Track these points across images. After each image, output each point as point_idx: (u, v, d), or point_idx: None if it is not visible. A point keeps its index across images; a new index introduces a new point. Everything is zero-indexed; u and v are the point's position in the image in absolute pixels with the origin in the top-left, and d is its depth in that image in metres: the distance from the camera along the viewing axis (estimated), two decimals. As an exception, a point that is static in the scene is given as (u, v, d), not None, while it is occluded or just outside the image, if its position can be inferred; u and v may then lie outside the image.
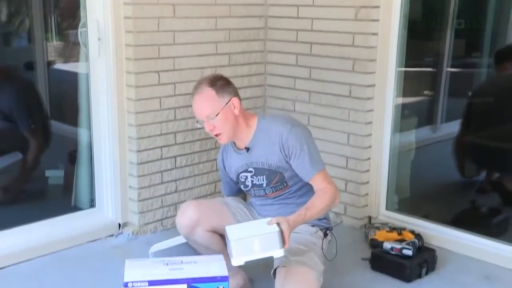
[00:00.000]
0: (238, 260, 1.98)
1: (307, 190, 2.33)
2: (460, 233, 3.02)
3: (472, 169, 3.84)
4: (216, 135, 2.28)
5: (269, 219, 2.05)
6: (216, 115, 2.22)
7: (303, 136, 2.27)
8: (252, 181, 2.36)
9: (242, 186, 2.42)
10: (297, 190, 2.34)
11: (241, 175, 2.38)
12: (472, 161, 3.84)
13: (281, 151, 2.26)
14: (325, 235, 2.32)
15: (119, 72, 2.96)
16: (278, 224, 2.00)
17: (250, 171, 2.35)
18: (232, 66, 3.34)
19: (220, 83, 2.26)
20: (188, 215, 2.30)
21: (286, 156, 2.26)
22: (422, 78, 4.50)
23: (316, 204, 2.16)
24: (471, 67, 4.46)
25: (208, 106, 2.23)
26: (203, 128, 2.31)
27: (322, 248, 2.27)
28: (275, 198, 2.37)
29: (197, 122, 2.32)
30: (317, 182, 2.24)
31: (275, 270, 2.14)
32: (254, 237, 1.96)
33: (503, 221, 3.27)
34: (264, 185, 2.33)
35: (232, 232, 2.05)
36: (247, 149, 2.33)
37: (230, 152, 2.42)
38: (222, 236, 2.34)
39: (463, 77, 4.48)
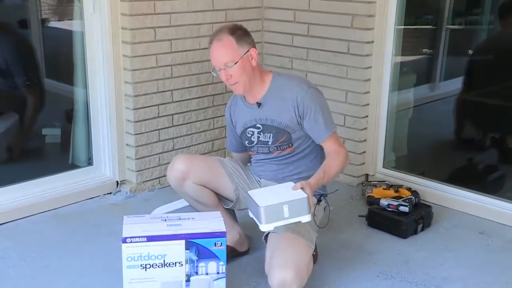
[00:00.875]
0: (267, 226, 1.97)
1: (308, 152, 2.33)
2: (456, 190, 3.04)
3: (472, 130, 3.79)
4: (232, 85, 2.24)
5: (291, 183, 2.07)
6: (235, 64, 2.18)
7: (318, 97, 2.27)
8: (258, 137, 2.34)
9: (246, 142, 2.39)
10: (299, 153, 2.34)
11: (248, 130, 2.36)
12: (472, 121, 3.78)
13: (294, 110, 2.24)
14: (319, 201, 2.32)
15: (114, 28, 2.91)
16: (302, 189, 2.01)
17: (258, 127, 2.32)
18: (229, 23, 3.28)
19: (240, 33, 2.22)
20: (176, 167, 2.30)
21: (300, 117, 2.24)
22: (422, 35, 4.44)
23: (333, 167, 2.17)
24: (472, 24, 4.39)
25: (227, 53, 2.18)
26: (217, 76, 2.27)
27: (314, 215, 2.24)
28: (277, 157, 2.36)
29: (212, 70, 2.28)
30: (329, 144, 2.25)
31: (267, 235, 2.16)
32: (284, 203, 1.96)
33: (499, 178, 3.28)
34: (270, 143, 2.32)
35: (258, 197, 2.03)
36: (259, 104, 2.30)
37: (239, 106, 2.39)
38: (213, 192, 2.35)
39: (463, 34, 4.42)
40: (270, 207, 1.96)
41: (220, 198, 2.40)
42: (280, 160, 2.36)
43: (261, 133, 2.33)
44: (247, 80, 2.23)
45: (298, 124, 2.26)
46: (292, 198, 1.98)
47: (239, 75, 2.20)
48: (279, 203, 1.96)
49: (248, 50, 2.21)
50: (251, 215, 2.08)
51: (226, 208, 2.41)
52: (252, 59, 2.23)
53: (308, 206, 1.97)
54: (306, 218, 1.98)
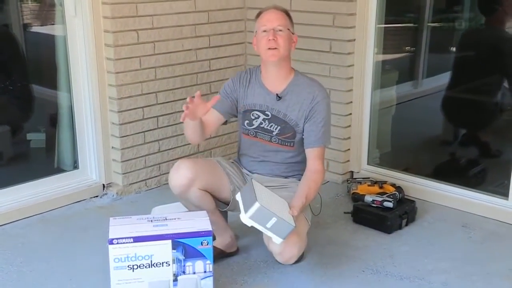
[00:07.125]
0: (248, 221, 2.03)
1: (296, 157, 2.40)
2: (439, 185, 3.09)
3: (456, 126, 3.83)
4: (272, 48, 2.27)
5: (287, 204, 2.15)
6: (287, 29, 2.29)
7: (329, 109, 2.38)
8: (260, 123, 2.37)
9: (246, 122, 2.40)
10: (293, 157, 2.40)
11: (254, 112, 2.38)
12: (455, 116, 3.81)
13: (306, 109, 2.31)
14: None
15: (97, 31, 2.91)
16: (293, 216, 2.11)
17: (267, 115, 2.36)
18: (211, 24, 3.31)
19: (290, 16, 2.37)
20: (184, 173, 2.25)
21: (307, 117, 2.31)
22: (404, 33, 4.49)
23: (312, 191, 2.28)
24: (452, 22, 4.45)
25: (283, 18, 2.31)
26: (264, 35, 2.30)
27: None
28: (274, 151, 2.39)
29: (255, 33, 2.35)
30: (313, 154, 2.33)
31: None
32: (274, 216, 2.02)
33: (481, 171, 3.34)
34: (275, 133, 2.37)
35: (260, 193, 2.08)
36: (279, 97, 2.35)
37: (252, 85, 2.40)
38: (214, 196, 2.35)
39: (444, 32, 4.47)
40: (264, 210, 2.01)
41: (216, 201, 2.38)
42: (276, 158, 2.41)
43: (267, 121, 2.37)
44: (284, 55, 2.30)
45: (303, 123, 2.32)
46: (283, 218, 2.04)
47: (283, 43, 2.27)
48: (272, 212, 2.02)
49: (293, 33, 2.35)
50: (238, 198, 2.13)
51: (221, 212, 2.43)
52: (293, 43, 2.34)
53: (287, 235, 2.05)
54: (278, 240, 2.06)
